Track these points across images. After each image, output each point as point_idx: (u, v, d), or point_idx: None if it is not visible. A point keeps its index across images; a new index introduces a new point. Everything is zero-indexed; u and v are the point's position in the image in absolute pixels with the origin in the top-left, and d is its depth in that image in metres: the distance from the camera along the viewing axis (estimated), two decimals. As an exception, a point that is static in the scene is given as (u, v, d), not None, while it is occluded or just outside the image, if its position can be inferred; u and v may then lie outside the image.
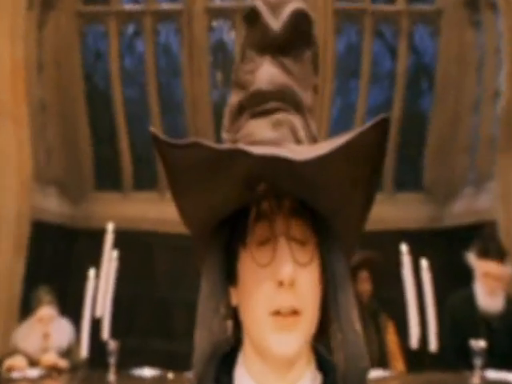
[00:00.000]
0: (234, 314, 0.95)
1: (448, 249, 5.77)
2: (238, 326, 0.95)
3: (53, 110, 6.77)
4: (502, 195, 5.67)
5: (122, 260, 4.61)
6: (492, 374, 3.74)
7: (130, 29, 7.13)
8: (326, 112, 6.81)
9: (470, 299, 4.00)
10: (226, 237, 0.94)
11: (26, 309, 4.46)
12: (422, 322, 4.11)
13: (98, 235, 4.58)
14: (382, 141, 0.84)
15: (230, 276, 0.94)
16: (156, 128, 6.50)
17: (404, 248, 4.17)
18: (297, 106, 0.94)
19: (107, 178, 7.19)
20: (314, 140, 0.95)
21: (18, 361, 4.08)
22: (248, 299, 0.90)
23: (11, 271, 5.70)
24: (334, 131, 6.66)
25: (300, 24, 0.93)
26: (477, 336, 3.76)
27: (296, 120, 0.93)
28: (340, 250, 0.94)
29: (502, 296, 4.00)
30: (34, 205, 5.97)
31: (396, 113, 6.87)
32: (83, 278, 4.41)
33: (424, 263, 4.14)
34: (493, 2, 6.03)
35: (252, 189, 0.89)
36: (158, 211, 6.33)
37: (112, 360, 3.93)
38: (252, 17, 0.94)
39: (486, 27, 6.24)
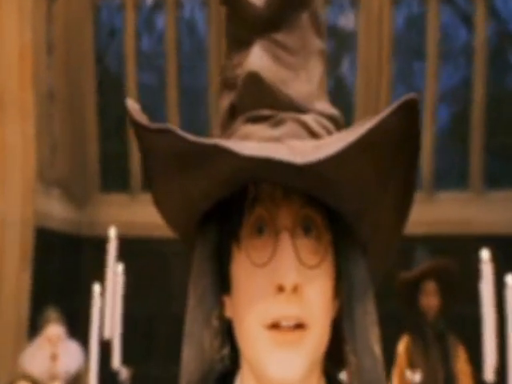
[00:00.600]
0: (230, 330, 0.80)
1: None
2: (234, 345, 0.80)
3: (61, 98, 6.32)
4: None
5: (134, 272, 4.34)
6: None
7: (149, 0, 6.65)
8: (385, 99, 6.14)
9: None
10: (215, 232, 0.80)
11: (34, 331, 4.32)
12: (501, 349, 3.45)
13: (104, 244, 4.23)
14: (410, 127, 0.73)
15: (223, 282, 0.80)
16: (173, 121, 5.96)
17: (485, 255, 3.41)
18: (296, 107, 0.79)
19: (114, 177, 6.71)
20: (338, 129, 0.80)
21: None
22: (240, 308, 0.77)
23: (18, 288, 5.28)
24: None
25: None
26: None
27: (303, 116, 0.79)
28: (361, 256, 0.80)
29: None
30: (37, 209, 5.50)
31: (477, 95, 6.16)
32: (91, 295, 4.13)
33: (510, 279, 3.39)
34: None
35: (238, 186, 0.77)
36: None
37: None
38: None
39: None
